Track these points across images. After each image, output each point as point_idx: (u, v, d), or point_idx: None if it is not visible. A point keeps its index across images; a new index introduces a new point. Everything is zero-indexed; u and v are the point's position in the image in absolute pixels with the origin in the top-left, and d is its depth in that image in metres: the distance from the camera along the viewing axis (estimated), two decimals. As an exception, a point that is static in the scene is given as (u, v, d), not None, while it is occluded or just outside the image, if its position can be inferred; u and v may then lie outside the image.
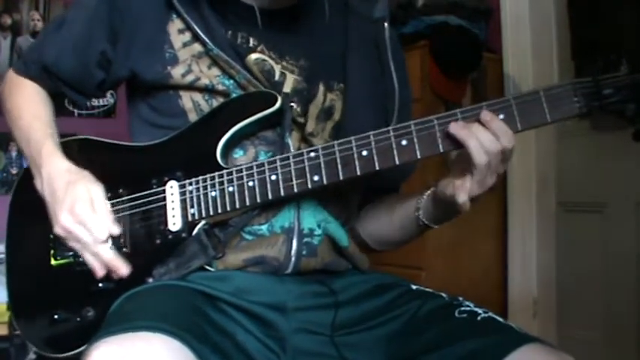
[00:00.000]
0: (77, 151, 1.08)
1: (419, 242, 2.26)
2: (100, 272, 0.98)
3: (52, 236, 1.04)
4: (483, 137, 0.87)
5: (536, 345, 0.86)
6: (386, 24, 1.06)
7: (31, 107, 1.11)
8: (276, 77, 1.02)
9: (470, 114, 0.89)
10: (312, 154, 0.92)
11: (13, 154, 3.05)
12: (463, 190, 0.91)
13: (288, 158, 0.93)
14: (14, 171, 3.06)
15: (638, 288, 2.09)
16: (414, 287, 1.04)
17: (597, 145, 2.26)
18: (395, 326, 0.97)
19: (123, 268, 0.97)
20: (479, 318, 0.92)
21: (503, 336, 0.88)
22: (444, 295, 1.00)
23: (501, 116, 0.87)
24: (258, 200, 0.94)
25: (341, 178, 0.91)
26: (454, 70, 2.33)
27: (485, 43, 2.49)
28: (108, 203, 1.01)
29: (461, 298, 0.98)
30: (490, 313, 0.93)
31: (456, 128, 0.88)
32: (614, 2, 2.14)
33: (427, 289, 1.03)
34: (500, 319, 0.93)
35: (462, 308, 0.94)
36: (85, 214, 0.96)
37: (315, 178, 0.92)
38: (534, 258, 2.41)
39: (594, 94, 0.85)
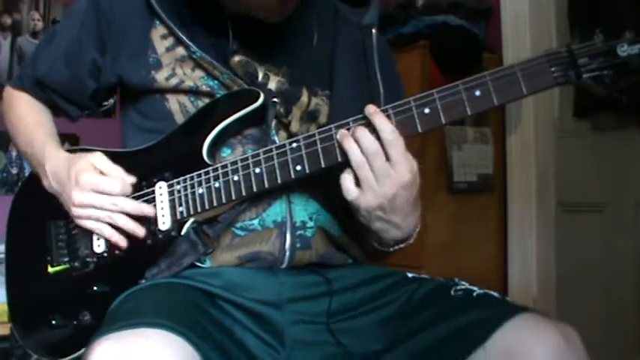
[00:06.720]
0: None
1: (419, 242, 2.25)
2: (122, 243, 0.99)
3: (48, 243, 1.07)
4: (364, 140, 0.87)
5: (532, 314, 0.87)
6: (374, 30, 1.07)
7: (31, 114, 1.15)
8: (260, 78, 1.03)
9: (447, 92, 0.88)
10: (294, 145, 0.93)
11: (13, 154, 3.05)
12: (348, 184, 0.90)
13: (271, 151, 0.94)
14: (14, 171, 3.07)
15: (638, 288, 2.08)
16: (409, 275, 1.05)
17: (597, 145, 2.25)
18: (391, 310, 0.98)
19: (148, 209, 0.98)
20: (474, 294, 0.93)
21: (498, 308, 0.89)
22: (439, 278, 1.01)
23: (477, 93, 0.87)
24: (244, 194, 0.95)
25: (323, 165, 0.92)
26: (454, 70, 2.32)
27: (485, 43, 2.49)
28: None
29: (456, 279, 0.98)
30: (486, 290, 0.94)
31: (341, 136, 0.89)
32: (614, 2, 2.13)
33: (423, 275, 1.04)
34: (497, 295, 0.93)
35: (458, 287, 0.95)
36: (92, 180, 0.98)
37: (298, 167, 0.93)
38: (534, 258, 2.41)
39: (570, 64, 0.85)
